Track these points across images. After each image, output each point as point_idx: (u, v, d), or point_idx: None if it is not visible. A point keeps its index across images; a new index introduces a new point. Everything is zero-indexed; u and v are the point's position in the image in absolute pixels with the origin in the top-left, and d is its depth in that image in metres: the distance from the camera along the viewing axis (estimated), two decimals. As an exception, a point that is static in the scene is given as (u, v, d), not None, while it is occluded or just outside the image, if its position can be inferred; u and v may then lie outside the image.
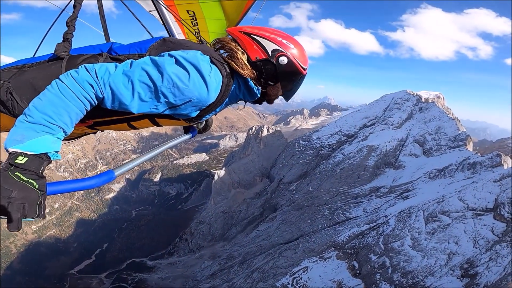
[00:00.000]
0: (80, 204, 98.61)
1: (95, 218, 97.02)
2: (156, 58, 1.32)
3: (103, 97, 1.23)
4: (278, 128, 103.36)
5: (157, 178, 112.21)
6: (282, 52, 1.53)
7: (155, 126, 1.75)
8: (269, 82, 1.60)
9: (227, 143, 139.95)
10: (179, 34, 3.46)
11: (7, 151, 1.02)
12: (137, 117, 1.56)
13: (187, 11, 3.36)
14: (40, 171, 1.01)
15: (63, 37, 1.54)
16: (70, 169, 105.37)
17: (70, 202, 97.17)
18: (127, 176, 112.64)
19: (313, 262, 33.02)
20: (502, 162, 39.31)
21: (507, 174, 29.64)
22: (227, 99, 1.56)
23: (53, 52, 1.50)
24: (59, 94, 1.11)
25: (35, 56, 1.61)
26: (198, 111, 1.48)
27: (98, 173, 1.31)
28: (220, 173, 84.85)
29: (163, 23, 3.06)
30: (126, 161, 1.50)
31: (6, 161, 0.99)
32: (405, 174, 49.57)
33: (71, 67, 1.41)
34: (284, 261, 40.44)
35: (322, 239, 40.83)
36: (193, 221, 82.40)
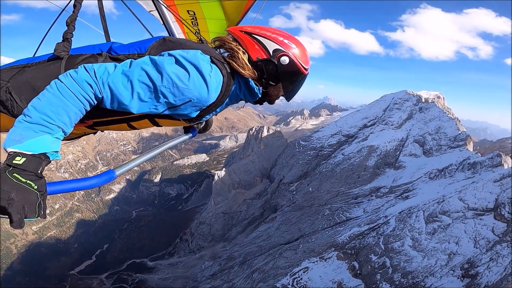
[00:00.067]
0: (80, 205, 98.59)
1: (96, 219, 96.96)
2: (155, 57, 1.30)
3: (102, 97, 1.22)
4: (278, 129, 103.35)
5: (157, 178, 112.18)
6: (284, 52, 1.52)
7: (155, 127, 1.73)
8: (270, 82, 1.58)
9: (227, 143, 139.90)
10: (179, 34, 3.47)
11: (6, 151, 1.01)
12: (136, 117, 1.55)
13: (187, 11, 3.36)
14: (39, 172, 1.00)
15: (63, 37, 1.54)
16: (71, 170, 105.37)
17: (71, 203, 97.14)
18: (127, 177, 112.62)
19: (314, 262, 32.99)
20: (503, 162, 39.32)
21: (508, 174, 29.63)
22: (227, 99, 1.55)
23: (52, 52, 1.49)
24: (58, 94, 1.11)
25: (35, 56, 1.61)
26: (198, 111, 1.47)
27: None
28: (220, 173, 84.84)
29: (163, 23, 3.06)
30: (127, 161, 1.49)
31: (4, 162, 0.98)
32: (405, 174, 49.56)
33: (70, 66, 1.41)
34: (284, 262, 40.45)
35: (322, 239, 40.82)
36: (194, 222, 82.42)
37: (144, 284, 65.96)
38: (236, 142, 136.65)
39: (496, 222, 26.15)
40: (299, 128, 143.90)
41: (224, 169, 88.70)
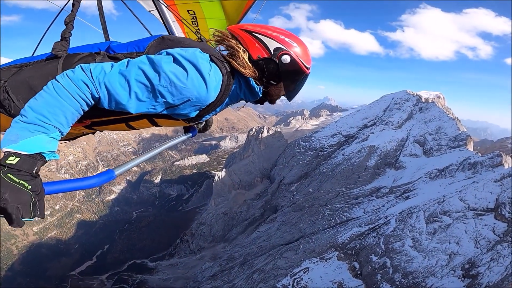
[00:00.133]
0: (81, 206, 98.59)
1: (96, 220, 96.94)
2: (153, 56, 1.29)
3: (100, 97, 1.20)
4: (279, 129, 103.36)
5: (157, 179, 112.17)
6: (285, 50, 1.49)
7: (155, 127, 1.71)
8: (271, 81, 1.55)
9: (227, 144, 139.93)
10: (179, 33, 3.47)
11: (2, 151, 1.01)
12: (135, 117, 1.53)
13: (188, 10, 3.35)
14: (34, 171, 0.99)
15: (61, 36, 1.53)
16: (71, 171, 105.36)
17: (71, 203, 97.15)
18: (127, 178, 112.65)
19: (314, 263, 32.96)
20: (503, 161, 39.29)
21: (508, 174, 29.62)
22: (227, 98, 1.53)
23: (51, 51, 1.48)
24: (55, 94, 1.10)
25: (34, 55, 1.60)
26: (198, 111, 1.45)
27: None
28: (220, 174, 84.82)
29: (164, 23, 3.07)
30: (126, 161, 1.49)
31: None
32: (406, 175, 49.54)
33: (67, 65, 1.40)
34: (285, 262, 40.44)
35: (322, 240, 40.81)
36: (194, 223, 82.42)
37: (144, 284, 65.96)
38: (236, 142, 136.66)
39: (497, 222, 26.13)
40: (299, 129, 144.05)
41: (224, 169, 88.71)
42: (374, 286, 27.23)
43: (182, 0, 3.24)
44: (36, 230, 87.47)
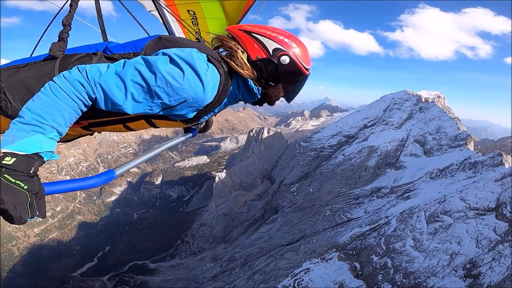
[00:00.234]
0: (82, 207, 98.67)
1: (97, 221, 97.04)
2: (149, 57, 1.28)
3: (96, 97, 1.20)
4: (279, 130, 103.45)
5: (158, 180, 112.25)
6: (284, 51, 1.47)
7: (153, 128, 1.70)
8: (270, 82, 1.53)
9: (228, 145, 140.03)
10: (179, 33, 3.48)
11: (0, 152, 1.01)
12: (132, 118, 1.53)
13: (188, 10, 3.36)
14: (31, 171, 0.98)
15: (59, 37, 1.53)
16: (72, 173, 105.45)
17: (72, 205, 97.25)
18: (128, 179, 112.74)
19: (315, 263, 32.91)
20: (504, 161, 39.21)
21: (509, 173, 29.55)
22: (225, 99, 1.51)
23: (48, 51, 1.49)
24: (51, 94, 1.10)
25: (32, 56, 1.60)
26: (195, 112, 1.43)
27: None
28: (221, 175, 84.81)
29: (164, 23, 3.08)
30: (127, 161, 1.50)
31: None
32: (406, 175, 49.48)
33: (64, 66, 1.40)
34: (286, 263, 40.40)
35: (323, 240, 40.77)
36: (195, 224, 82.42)
37: (145, 286, 65.95)
38: (237, 143, 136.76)
39: (498, 221, 26.07)
40: (299, 129, 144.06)
41: (224, 170, 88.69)
42: (375, 287, 27.18)
43: (182, 0, 3.26)
44: (37, 232, 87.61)
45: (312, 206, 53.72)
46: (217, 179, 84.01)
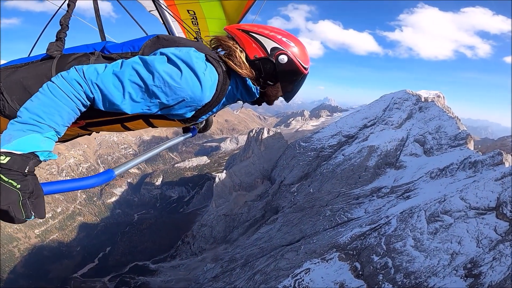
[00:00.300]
0: (82, 208, 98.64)
1: (98, 222, 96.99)
2: (146, 57, 1.29)
3: (94, 97, 1.20)
4: (279, 130, 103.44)
5: (158, 181, 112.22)
6: (282, 50, 1.47)
7: (152, 128, 1.70)
8: (268, 81, 1.53)
9: (228, 145, 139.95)
10: (179, 33, 3.49)
11: None
12: (130, 118, 1.53)
13: (188, 10, 3.36)
14: (26, 170, 0.98)
15: (56, 36, 1.53)
16: (72, 174, 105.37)
17: (73, 206, 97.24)
18: (128, 180, 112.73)
19: (315, 263, 32.90)
20: (504, 160, 39.19)
21: (509, 173, 29.52)
22: (224, 98, 1.51)
23: (45, 51, 1.49)
24: (49, 94, 1.11)
25: (30, 56, 1.60)
26: (194, 111, 1.43)
27: None
28: (221, 176, 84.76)
29: (163, 23, 3.09)
30: (126, 161, 1.48)
31: None
32: (406, 174, 49.46)
33: (62, 65, 1.40)
34: (286, 263, 40.37)
35: (323, 240, 40.74)
36: (195, 224, 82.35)
37: (146, 286, 65.96)
38: (237, 144, 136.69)
39: (498, 221, 26.04)
40: (299, 129, 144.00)
41: (225, 171, 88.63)
42: (376, 287, 27.16)
43: (182, 0, 3.27)
44: (38, 233, 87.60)
45: (312, 206, 53.70)
46: (217, 179, 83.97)
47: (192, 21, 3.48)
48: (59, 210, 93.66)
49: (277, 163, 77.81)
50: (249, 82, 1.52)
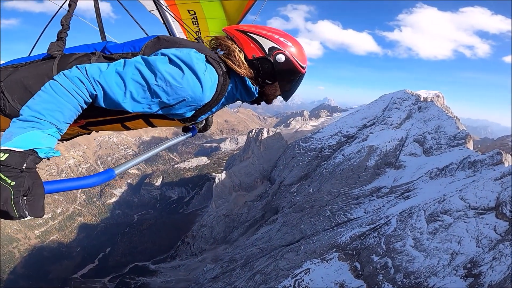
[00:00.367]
0: (82, 209, 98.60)
1: (98, 223, 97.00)
2: (148, 57, 1.31)
3: (96, 95, 1.22)
4: (278, 130, 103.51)
5: (158, 182, 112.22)
6: (280, 50, 1.51)
7: (151, 127, 1.72)
8: (266, 81, 1.56)
9: (227, 146, 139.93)
10: (180, 33, 3.50)
11: None
12: (130, 117, 1.55)
13: (188, 10, 3.38)
14: (24, 167, 0.96)
15: (57, 36, 1.55)
16: (72, 174, 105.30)
17: (73, 207, 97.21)
18: (128, 181, 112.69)
19: (315, 263, 32.90)
20: (503, 160, 39.21)
21: (508, 172, 29.52)
22: (223, 98, 1.54)
23: (46, 51, 1.50)
24: (51, 91, 1.11)
25: (30, 55, 1.61)
26: (193, 111, 1.46)
27: None
28: (221, 176, 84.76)
29: (164, 23, 3.10)
30: (126, 160, 1.49)
31: None
32: (406, 174, 49.47)
33: (63, 65, 1.42)
34: (286, 263, 40.35)
35: (323, 240, 40.73)
36: (195, 225, 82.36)
37: (146, 287, 65.98)
38: (237, 144, 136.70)
39: (498, 220, 26.04)
40: (299, 130, 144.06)
41: (224, 171, 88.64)
42: (376, 287, 27.15)
43: (183, 0, 3.28)
44: (38, 234, 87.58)
45: (312, 206, 53.70)
46: (217, 180, 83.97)
47: (192, 21, 3.49)
48: (59, 210, 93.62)
49: (276, 163, 77.83)
50: (248, 81, 1.55)
